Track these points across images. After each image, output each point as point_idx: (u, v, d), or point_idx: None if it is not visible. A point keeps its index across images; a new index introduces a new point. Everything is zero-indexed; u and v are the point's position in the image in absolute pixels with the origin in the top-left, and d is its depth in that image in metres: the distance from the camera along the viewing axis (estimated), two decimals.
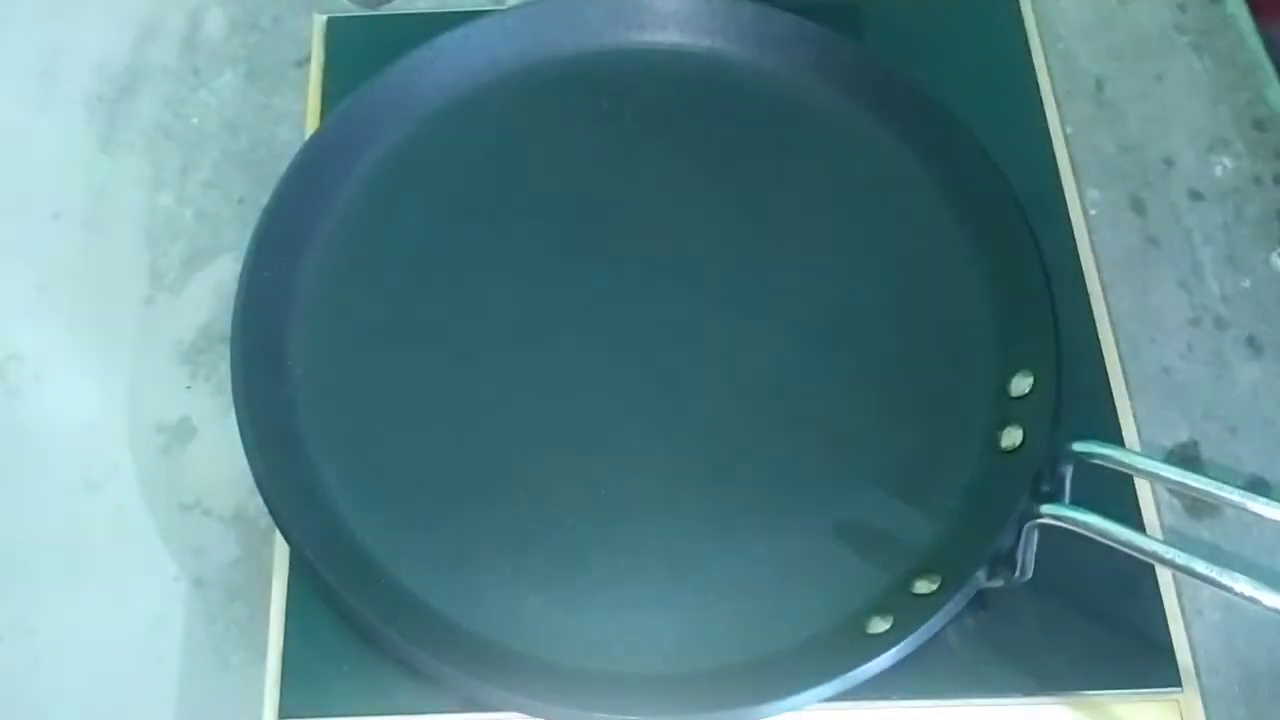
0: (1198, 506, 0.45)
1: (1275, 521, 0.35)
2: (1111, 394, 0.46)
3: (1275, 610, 0.33)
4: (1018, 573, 0.39)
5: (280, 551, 0.42)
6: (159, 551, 0.44)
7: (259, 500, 0.43)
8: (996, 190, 0.47)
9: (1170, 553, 0.35)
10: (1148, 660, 0.41)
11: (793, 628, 0.41)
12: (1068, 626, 0.41)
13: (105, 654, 0.43)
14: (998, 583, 0.40)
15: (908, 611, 0.40)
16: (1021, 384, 0.44)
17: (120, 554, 0.44)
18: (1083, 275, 0.48)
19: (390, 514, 0.43)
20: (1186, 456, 0.46)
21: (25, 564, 0.44)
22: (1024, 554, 0.39)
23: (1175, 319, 0.49)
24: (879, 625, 0.40)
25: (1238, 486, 0.35)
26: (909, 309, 0.47)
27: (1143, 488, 0.44)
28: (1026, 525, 0.39)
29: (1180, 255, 0.51)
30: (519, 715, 0.39)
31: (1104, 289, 0.48)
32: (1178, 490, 0.43)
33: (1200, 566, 0.34)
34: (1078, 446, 0.38)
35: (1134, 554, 0.36)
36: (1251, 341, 0.49)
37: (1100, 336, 0.47)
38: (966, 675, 0.40)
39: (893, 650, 0.38)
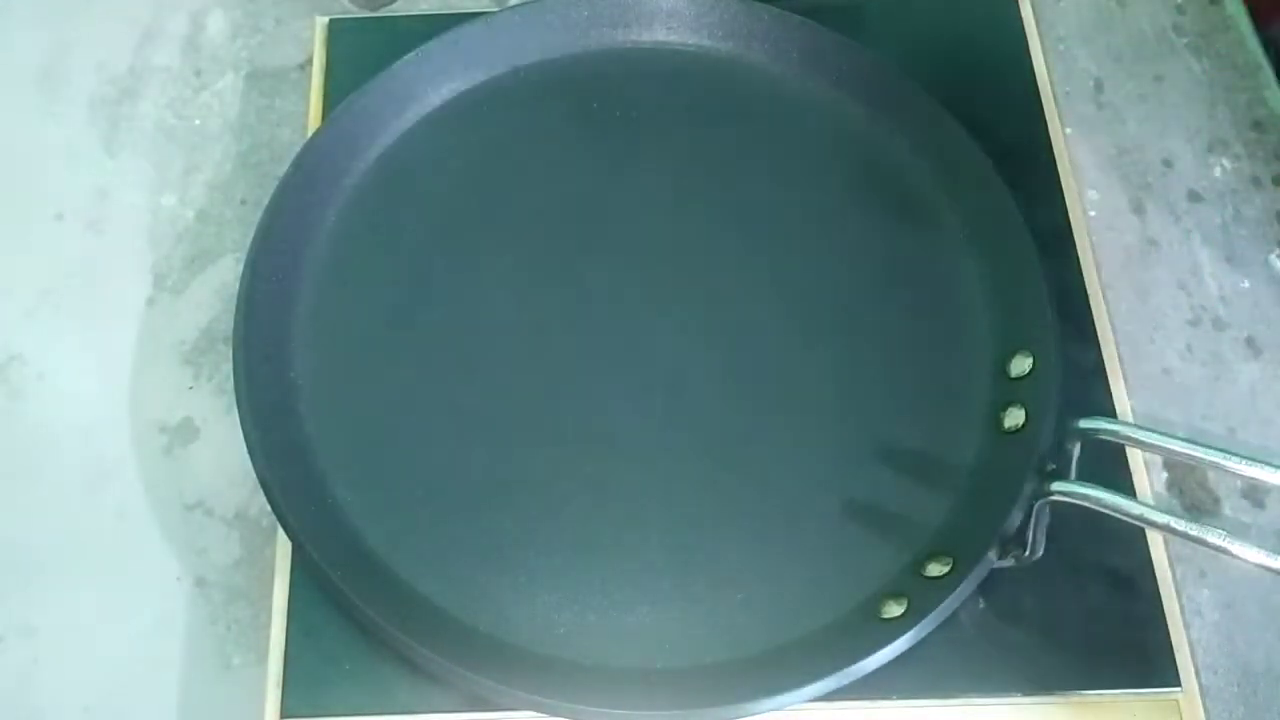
0: (1195, 507, 0.45)
1: (1270, 519, 0.35)
2: (1111, 394, 0.46)
3: None
4: (1028, 551, 0.40)
5: (282, 551, 0.42)
6: (161, 552, 0.45)
7: (261, 500, 0.43)
8: (985, 174, 0.48)
9: (1182, 524, 0.35)
10: (1147, 660, 0.41)
11: (808, 616, 0.41)
12: (1068, 626, 0.41)
13: (107, 654, 0.43)
14: (1008, 562, 0.41)
15: (921, 594, 0.40)
16: (1021, 364, 0.45)
17: (122, 554, 0.45)
18: (1082, 276, 0.48)
19: (396, 513, 0.43)
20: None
21: (27, 564, 0.44)
22: (1034, 532, 0.40)
23: (1174, 319, 0.49)
24: (894, 609, 0.40)
25: (1244, 458, 0.36)
26: (906, 295, 0.48)
27: (1138, 476, 0.44)
28: (1037, 503, 0.39)
29: (1179, 256, 0.51)
30: (530, 714, 0.39)
31: (1103, 289, 0.48)
32: (1183, 463, 0.44)
33: (1214, 537, 0.34)
34: (1084, 423, 0.39)
35: (1144, 526, 0.37)
36: (1250, 342, 0.49)
37: (1100, 337, 0.47)
38: (967, 675, 0.40)
39: (909, 633, 0.39)
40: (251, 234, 0.46)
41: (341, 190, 0.49)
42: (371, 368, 0.46)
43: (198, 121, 0.54)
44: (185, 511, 0.45)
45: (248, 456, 0.42)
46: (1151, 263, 0.51)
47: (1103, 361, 0.46)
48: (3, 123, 0.54)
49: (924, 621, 0.39)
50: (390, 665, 0.40)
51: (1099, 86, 0.55)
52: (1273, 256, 0.51)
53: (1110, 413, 0.45)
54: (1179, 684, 0.40)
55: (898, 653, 0.39)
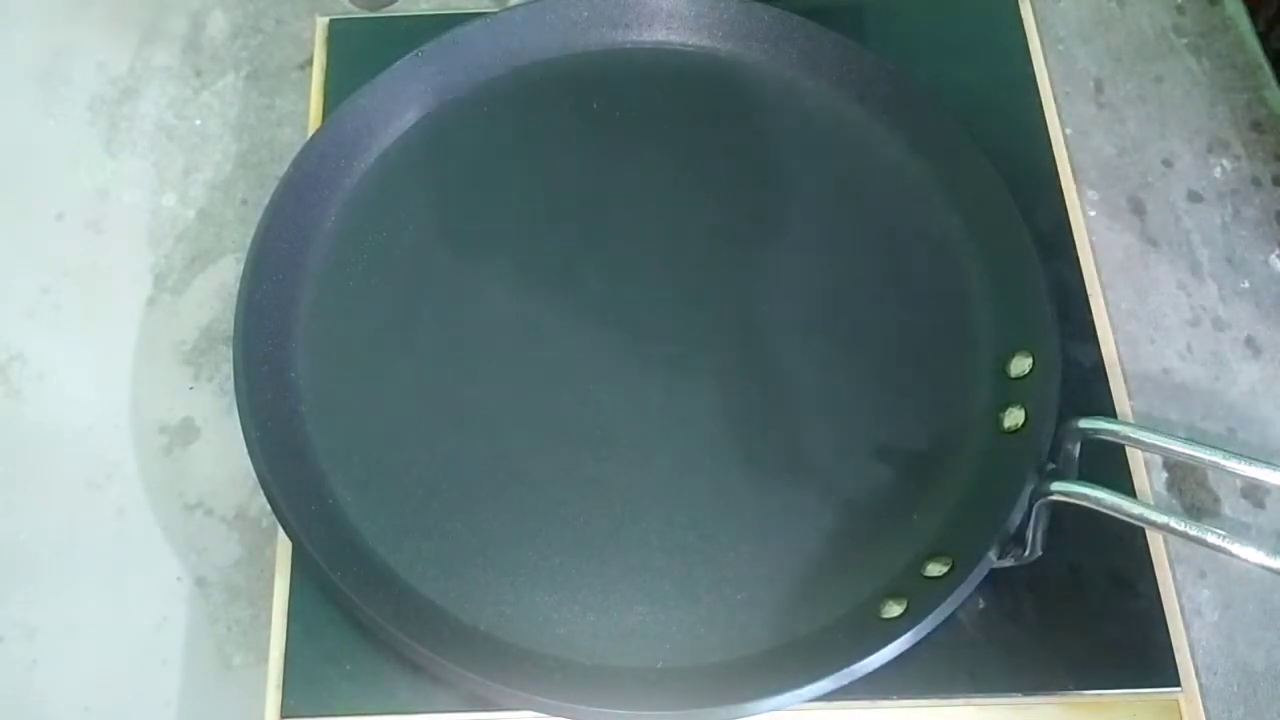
0: (1195, 507, 0.45)
1: (1270, 519, 0.35)
2: (1111, 394, 0.46)
3: None
4: (1028, 551, 0.40)
5: (282, 551, 0.42)
6: (161, 552, 0.45)
7: (261, 500, 0.43)
8: (983, 173, 0.48)
9: (1182, 524, 0.35)
10: (1147, 660, 0.41)
11: (808, 616, 0.41)
12: (1068, 626, 0.42)
13: (107, 654, 0.43)
14: (1008, 562, 0.41)
15: (921, 594, 0.40)
16: (1021, 365, 0.45)
17: (122, 554, 0.45)
18: (1082, 276, 0.48)
19: (396, 513, 0.43)
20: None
21: (27, 564, 0.44)
22: (1034, 532, 0.40)
23: (1174, 320, 0.49)
24: (893, 609, 0.40)
25: (1244, 458, 0.36)
26: (906, 295, 0.48)
27: (1138, 476, 0.44)
28: (1036, 503, 0.39)
29: (1179, 256, 0.51)
30: (530, 714, 0.39)
31: (1104, 289, 0.48)
32: (1183, 463, 0.44)
33: (1213, 537, 0.34)
34: (1084, 423, 0.39)
35: (1144, 526, 0.37)
36: (1250, 342, 0.49)
37: (1100, 337, 0.47)
38: (967, 675, 0.40)
39: (909, 634, 0.39)
40: (251, 234, 0.46)
41: (341, 190, 0.49)
42: (371, 368, 0.46)
43: (198, 121, 0.54)
44: (185, 511, 0.45)
45: (248, 456, 0.42)
46: (1151, 263, 0.51)
47: (1103, 361, 0.46)
48: (3, 123, 0.55)
49: (924, 621, 0.39)
50: (390, 665, 0.40)
51: (1099, 86, 0.55)
52: (1273, 256, 0.51)
53: (1110, 413, 0.45)
54: (1179, 684, 0.40)
55: (898, 653, 0.39)
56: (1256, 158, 0.53)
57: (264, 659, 0.41)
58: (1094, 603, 0.42)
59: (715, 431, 0.45)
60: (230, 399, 0.44)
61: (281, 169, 0.48)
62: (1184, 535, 0.35)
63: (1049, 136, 0.51)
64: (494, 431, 0.44)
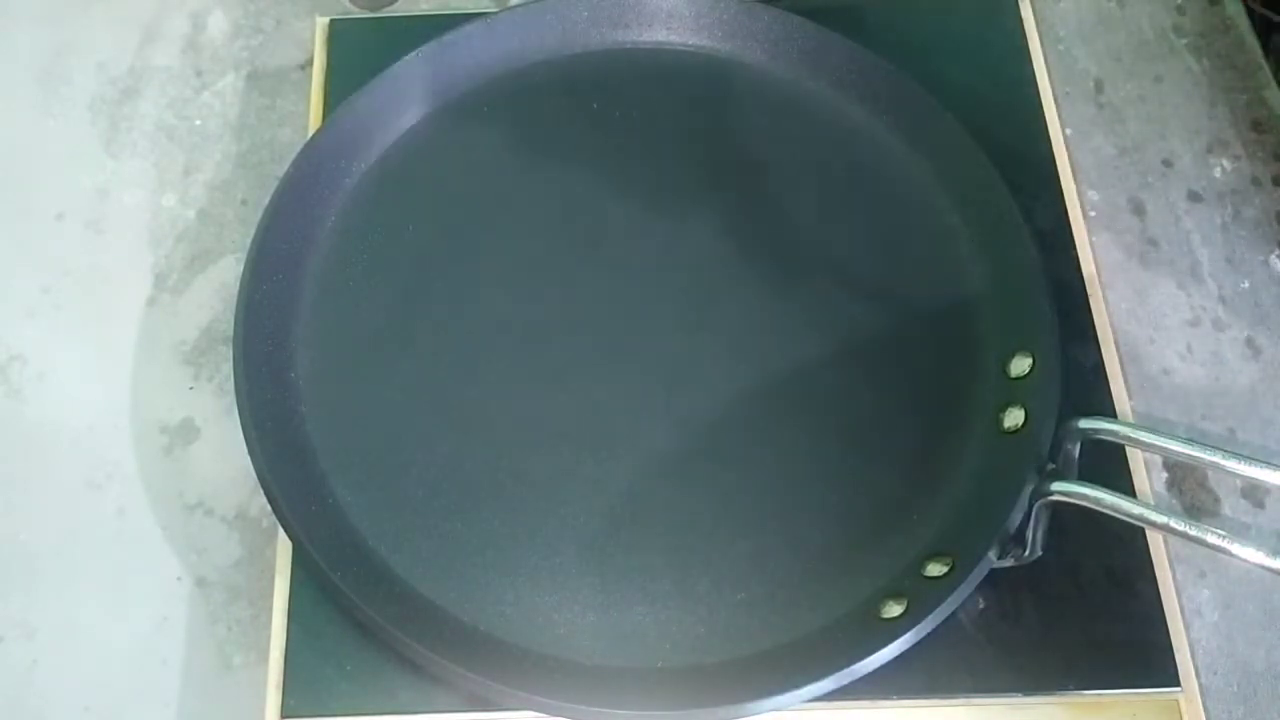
0: (1195, 507, 0.45)
1: (1270, 519, 0.35)
2: (1111, 394, 0.46)
3: None
4: (1028, 551, 0.40)
5: (283, 551, 0.42)
6: (161, 552, 0.45)
7: (261, 500, 0.43)
8: (983, 173, 0.48)
9: (1182, 524, 0.35)
10: (1147, 660, 0.41)
11: (808, 616, 0.41)
12: (1068, 626, 0.41)
13: (107, 654, 0.43)
14: (1008, 562, 0.41)
15: (921, 594, 0.40)
16: (1021, 364, 0.45)
17: (123, 554, 0.45)
18: (1082, 276, 0.48)
19: (396, 513, 0.43)
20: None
21: (27, 564, 0.44)
22: (1034, 532, 0.40)
23: (1174, 320, 0.49)
24: (893, 609, 0.40)
25: (1244, 458, 0.36)
26: (906, 295, 0.48)
27: (1138, 476, 0.44)
28: (1036, 503, 0.39)
29: (1179, 256, 0.51)
30: (530, 714, 0.39)
31: (1103, 290, 0.48)
32: (1183, 463, 0.44)
33: (1213, 537, 0.34)
34: (1084, 423, 0.39)
35: (1144, 526, 0.37)
36: (1250, 342, 0.49)
37: (1100, 337, 0.47)
38: (967, 675, 0.40)
39: (909, 634, 0.39)
40: (251, 234, 0.46)
41: (341, 190, 0.49)
42: (371, 368, 0.46)
43: (198, 121, 0.54)
44: (185, 511, 0.45)
45: (248, 456, 0.42)
46: (1151, 263, 0.51)
47: (1103, 361, 0.46)
48: (3, 123, 0.55)
49: (924, 621, 0.39)
50: (390, 665, 0.40)
51: (1099, 86, 0.55)
52: (1273, 256, 0.51)
53: (1110, 413, 0.45)
54: (1179, 684, 0.40)
55: (898, 653, 0.39)
56: (1256, 158, 0.53)
57: (264, 659, 0.41)
58: (1094, 603, 0.42)
59: (715, 431, 0.45)
60: (230, 399, 0.44)
61: (281, 169, 0.48)
62: (1184, 535, 0.35)
63: (1049, 136, 0.51)
64: (494, 431, 0.44)
